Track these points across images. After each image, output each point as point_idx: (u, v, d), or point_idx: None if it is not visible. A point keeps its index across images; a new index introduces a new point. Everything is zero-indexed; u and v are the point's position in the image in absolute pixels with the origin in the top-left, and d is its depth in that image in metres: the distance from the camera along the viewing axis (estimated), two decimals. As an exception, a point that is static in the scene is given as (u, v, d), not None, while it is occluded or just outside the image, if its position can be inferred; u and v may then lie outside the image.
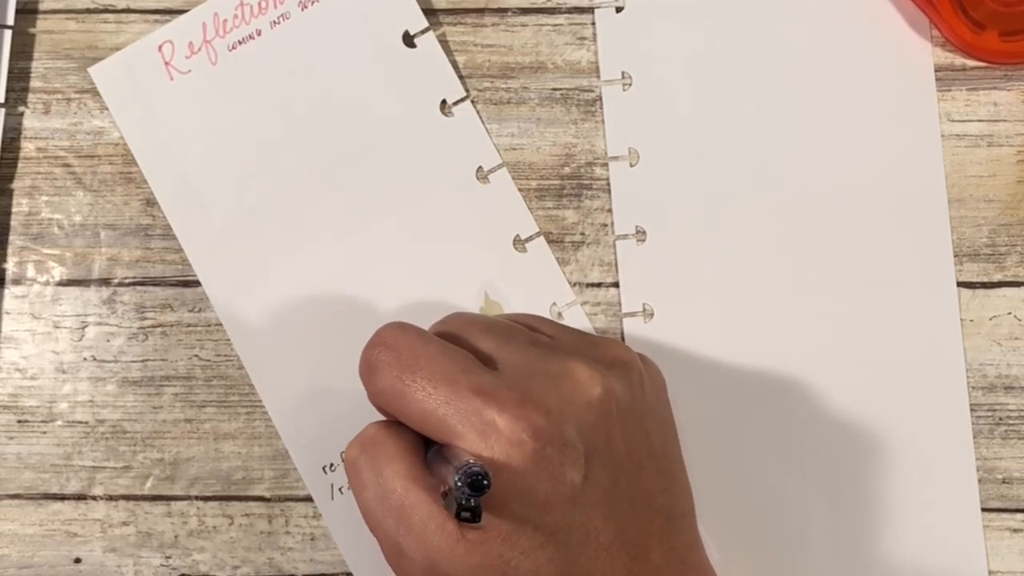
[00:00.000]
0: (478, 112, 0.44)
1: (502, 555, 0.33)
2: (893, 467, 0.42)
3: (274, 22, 0.43)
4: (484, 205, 0.43)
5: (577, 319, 0.43)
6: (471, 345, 0.37)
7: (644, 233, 0.43)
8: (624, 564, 0.34)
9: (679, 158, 0.43)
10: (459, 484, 0.31)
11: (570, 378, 0.35)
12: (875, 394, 0.42)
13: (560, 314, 0.43)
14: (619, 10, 0.44)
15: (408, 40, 0.43)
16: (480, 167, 0.43)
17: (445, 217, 0.43)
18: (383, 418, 0.37)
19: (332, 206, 0.43)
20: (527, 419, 0.34)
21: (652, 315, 0.43)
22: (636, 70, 0.43)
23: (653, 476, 0.36)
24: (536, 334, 0.39)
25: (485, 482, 0.31)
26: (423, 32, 0.43)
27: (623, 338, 0.43)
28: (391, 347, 0.36)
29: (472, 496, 0.31)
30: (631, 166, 0.43)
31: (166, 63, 0.43)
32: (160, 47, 0.43)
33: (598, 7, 0.44)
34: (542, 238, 0.43)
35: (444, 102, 0.43)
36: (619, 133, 0.43)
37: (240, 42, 0.43)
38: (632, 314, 0.43)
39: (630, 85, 0.43)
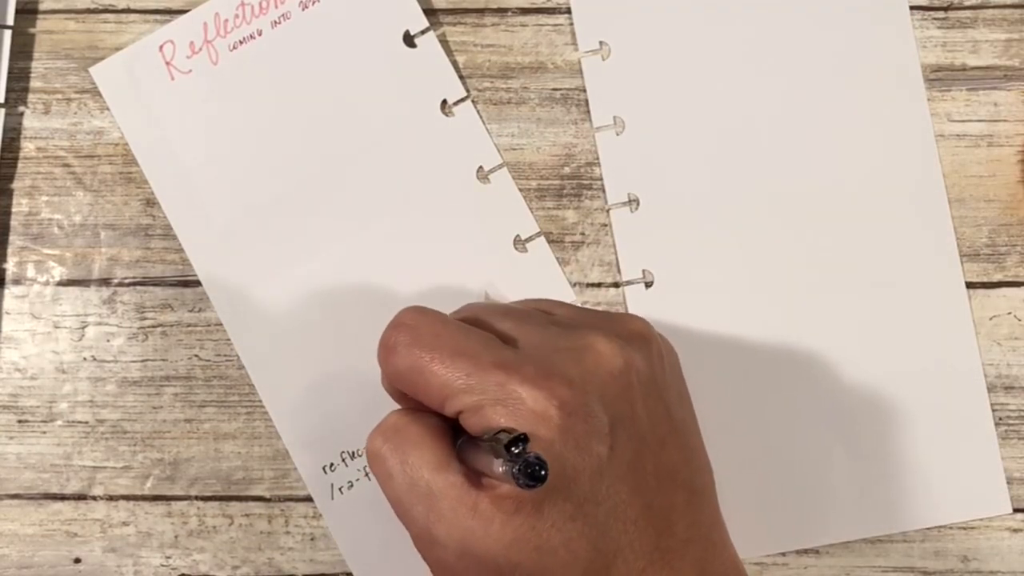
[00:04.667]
0: (478, 112, 0.44)
1: (534, 527, 0.33)
2: (905, 468, 0.42)
3: (275, 22, 0.43)
4: (484, 205, 0.43)
5: (577, 319, 0.43)
6: (491, 327, 0.37)
7: (637, 201, 0.43)
8: (652, 539, 0.34)
9: (666, 127, 0.43)
10: (518, 477, 0.30)
11: (591, 351, 0.35)
12: (884, 383, 0.42)
13: (560, 314, 0.43)
14: None
15: (408, 40, 0.43)
16: (480, 167, 0.43)
17: (445, 217, 0.43)
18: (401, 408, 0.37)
19: (332, 206, 0.43)
20: (552, 391, 0.33)
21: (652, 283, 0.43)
22: (615, 41, 0.43)
23: (675, 450, 0.36)
24: (553, 315, 0.39)
25: (543, 472, 0.30)
26: (423, 32, 0.43)
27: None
28: (411, 327, 0.36)
29: (531, 486, 0.30)
30: (617, 135, 0.43)
31: (167, 63, 0.43)
32: (161, 47, 0.43)
33: None
34: (542, 238, 0.43)
35: (444, 102, 0.43)
36: (602, 104, 0.43)
37: (241, 42, 0.43)
38: (631, 282, 0.43)
39: (609, 55, 0.43)
